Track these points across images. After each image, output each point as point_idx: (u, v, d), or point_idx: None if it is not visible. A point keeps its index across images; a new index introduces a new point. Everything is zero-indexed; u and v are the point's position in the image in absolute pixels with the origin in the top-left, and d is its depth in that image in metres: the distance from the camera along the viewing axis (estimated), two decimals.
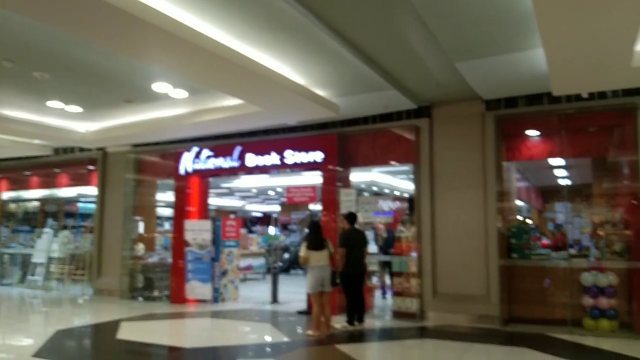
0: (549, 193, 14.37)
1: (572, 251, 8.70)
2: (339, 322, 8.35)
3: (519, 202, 12.21)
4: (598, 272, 7.86)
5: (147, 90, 8.31)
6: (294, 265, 15.02)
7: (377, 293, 10.71)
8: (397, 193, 13.97)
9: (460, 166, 8.78)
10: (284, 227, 18.56)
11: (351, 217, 8.70)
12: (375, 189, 13.69)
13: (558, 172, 12.22)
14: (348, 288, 8.36)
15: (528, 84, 7.67)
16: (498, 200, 8.56)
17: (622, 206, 8.18)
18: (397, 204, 13.25)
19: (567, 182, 12.31)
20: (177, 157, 11.53)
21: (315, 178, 10.36)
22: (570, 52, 5.75)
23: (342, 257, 8.28)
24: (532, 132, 8.80)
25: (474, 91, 8.06)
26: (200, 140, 11.18)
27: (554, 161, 10.40)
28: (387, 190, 13.98)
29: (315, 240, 8.01)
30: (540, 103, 8.17)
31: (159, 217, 13.62)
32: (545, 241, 10.23)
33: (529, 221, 11.12)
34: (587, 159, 9.69)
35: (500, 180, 8.69)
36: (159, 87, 8.17)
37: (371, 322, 8.67)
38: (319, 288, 7.84)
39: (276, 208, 21.41)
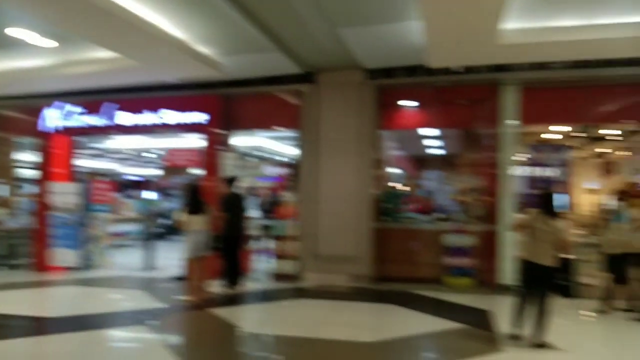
0: (422, 161, 15.29)
1: (440, 215, 9.37)
2: (217, 286, 8.27)
3: (394, 169, 12.86)
4: (460, 234, 8.57)
5: (2, 35, 7.35)
6: (173, 230, 14.52)
7: (258, 256, 10.72)
8: (283, 159, 13.98)
9: (342, 133, 8.97)
10: (164, 192, 17.81)
11: (231, 181, 8.56)
12: (260, 153, 13.58)
13: (431, 142, 13.01)
14: (226, 252, 8.27)
15: (407, 56, 7.91)
16: (374, 167, 8.96)
17: (483, 175, 8.89)
18: (283, 170, 13.34)
19: (439, 151, 13.22)
20: (41, 113, 10.46)
21: (197, 141, 9.99)
22: (445, 26, 6.04)
23: (221, 221, 8.13)
24: (408, 103, 9.19)
25: (356, 59, 8.19)
26: (69, 95, 10.20)
27: (428, 131, 11.03)
28: (273, 156, 13.95)
29: (194, 204, 7.77)
30: (417, 75, 8.51)
31: (20, 179, 12.31)
32: (415, 206, 10.86)
33: (402, 187, 11.74)
34: (457, 130, 10.40)
35: (377, 148, 9.06)
36: (18, 32, 7.25)
37: (251, 285, 8.70)
38: (197, 253, 7.66)
39: (157, 172, 20.44)
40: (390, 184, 10.97)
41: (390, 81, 8.75)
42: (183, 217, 7.73)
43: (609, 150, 12.77)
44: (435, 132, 11.38)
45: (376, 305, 7.57)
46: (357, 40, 7.31)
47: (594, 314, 6.86)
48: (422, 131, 11.12)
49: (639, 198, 6.90)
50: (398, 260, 8.87)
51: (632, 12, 6.32)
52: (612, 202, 7.15)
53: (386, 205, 9.17)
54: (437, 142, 13.06)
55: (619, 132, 11.01)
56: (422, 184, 12.78)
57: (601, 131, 11.10)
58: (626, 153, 12.43)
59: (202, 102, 9.65)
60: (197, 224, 7.66)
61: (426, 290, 8.20)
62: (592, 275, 7.32)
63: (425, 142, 13.07)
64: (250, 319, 7.19)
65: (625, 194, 7.22)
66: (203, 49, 7.92)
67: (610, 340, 6.10)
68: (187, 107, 9.72)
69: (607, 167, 13.06)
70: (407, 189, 12.25)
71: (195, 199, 7.81)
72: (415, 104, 9.15)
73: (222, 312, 7.02)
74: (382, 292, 8.32)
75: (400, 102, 9.21)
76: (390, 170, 11.72)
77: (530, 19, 6.50)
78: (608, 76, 7.88)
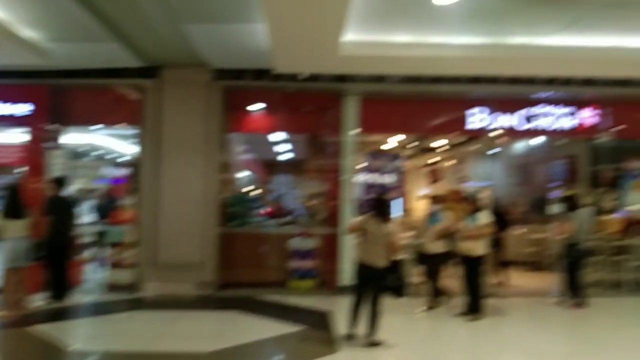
0: (272, 166, 15.41)
1: (287, 219, 9.49)
2: (40, 300, 7.38)
3: (244, 173, 12.77)
4: (305, 237, 8.75)
5: None
6: None
7: (91, 266, 9.83)
8: (122, 159, 13.02)
9: (187, 133, 8.58)
10: None
11: (59, 182, 7.72)
12: (97, 152, 12.50)
13: (280, 147, 13.16)
14: (51, 261, 7.42)
15: (254, 58, 7.83)
16: (221, 170, 8.77)
17: (328, 180, 9.19)
18: (123, 171, 12.42)
19: (288, 156, 13.44)
20: None
21: (21, 135, 8.85)
22: (287, 33, 6.11)
23: (46, 226, 7.28)
24: (257, 106, 9.13)
25: (203, 58, 7.93)
26: None
27: (277, 136, 11.11)
28: (111, 155, 12.93)
29: (13, 207, 6.84)
30: (265, 79, 8.49)
31: None
32: (265, 210, 10.90)
33: (251, 191, 11.71)
34: (304, 136, 10.64)
35: (224, 150, 8.89)
36: None
37: (81, 298, 7.91)
38: (15, 262, 6.75)
39: None
40: (239, 187, 10.85)
41: (239, 83, 8.62)
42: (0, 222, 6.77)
43: (438, 160, 14.16)
44: (284, 136, 11.51)
45: (219, 313, 7.36)
46: (202, 38, 7.06)
47: (423, 311, 7.43)
48: (271, 135, 11.16)
49: (458, 203, 7.67)
50: (244, 266, 8.75)
51: (459, 33, 7.01)
52: (432, 207, 7.82)
53: (234, 210, 9.02)
54: (286, 147, 13.24)
55: (446, 143, 12.26)
56: (272, 188, 12.91)
57: (431, 142, 12.25)
58: (452, 162, 13.89)
59: (25, 92, 8.60)
60: (17, 229, 6.76)
61: (271, 294, 8.21)
62: (420, 275, 7.93)
63: (275, 146, 13.17)
64: (79, 336, 6.50)
65: (439, 199, 7.99)
66: (27, 32, 7.04)
67: (435, 334, 6.65)
68: (7, 97, 8.60)
69: (435, 174, 14.46)
70: (257, 193, 12.25)
71: (14, 201, 6.89)
72: (263, 107, 9.13)
73: (45, 328, 6.24)
74: (226, 299, 8.13)
75: (249, 105, 9.13)
76: (239, 173, 11.60)
77: (369, 33, 6.85)
78: (437, 92, 8.68)
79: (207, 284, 8.44)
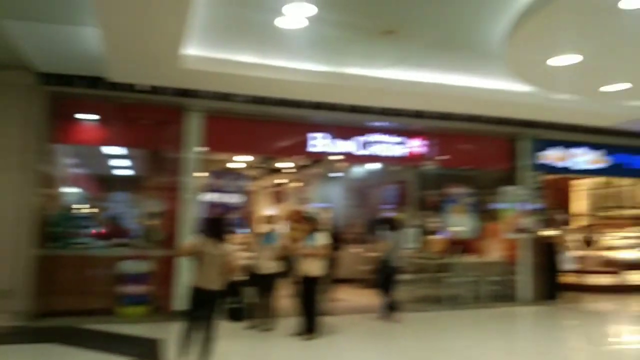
0: (108, 181, 14.22)
1: (119, 240, 8.77)
2: None
3: (72, 188, 11.63)
4: (138, 260, 8.17)
5: None
6: None
7: None
8: None
9: (1, 142, 7.56)
10: None
11: None
12: None
13: (117, 161, 12.27)
14: None
15: (86, 64, 7.24)
16: (43, 185, 7.87)
17: (167, 199, 8.72)
18: None
19: (126, 172, 12.57)
20: None
21: None
22: (122, 41, 5.74)
23: None
24: (88, 116, 8.36)
25: (25, 59, 7.07)
26: None
27: (113, 149, 10.33)
28: None
29: None
30: (100, 87, 7.84)
31: None
32: (97, 230, 9.99)
33: (81, 208, 10.67)
34: (143, 150, 10.02)
35: (47, 163, 8.00)
36: None
37: None
38: None
39: None
40: (66, 204, 9.81)
41: (68, 90, 7.84)
42: None
43: (284, 181, 14.44)
44: (121, 151, 10.75)
45: (34, 347, 6.46)
46: (23, 37, 6.28)
47: (260, 333, 7.34)
48: (106, 149, 10.34)
49: (298, 223, 7.80)
50: (67, 292, 7.84)
51: (303, 59, 7.22)
52: (269, 226, 7.83)
53: (57, 229, 8.09)
54: (124, 162, 12.35)
55: (292, 165, 12.54)
56: (107, 206, 11.93)
57: (278, 164, 12.44)
58: (298, 184, 14.25)
59: None
60: None
61: (96, 323, 7.47)
62: (254, 296, 7.85)
63: (111, 160, 12.21)
64: None
65: (276, 219, 8.06)
66: None
67: (271, 356, 6.62)
68: None
69: (280, 195, 14.72)
70: (89, 211, 11.21)
71: None
72: (97, 118, 8.40)
73: None
74: (44, 329, 7.19)
75: (81, 115, 8.34)
76: (67, 189, 10.51)
77: (213, 49, 6.75)
78: (281, 114, 8.82)
79: (20, 314, 7.40)
